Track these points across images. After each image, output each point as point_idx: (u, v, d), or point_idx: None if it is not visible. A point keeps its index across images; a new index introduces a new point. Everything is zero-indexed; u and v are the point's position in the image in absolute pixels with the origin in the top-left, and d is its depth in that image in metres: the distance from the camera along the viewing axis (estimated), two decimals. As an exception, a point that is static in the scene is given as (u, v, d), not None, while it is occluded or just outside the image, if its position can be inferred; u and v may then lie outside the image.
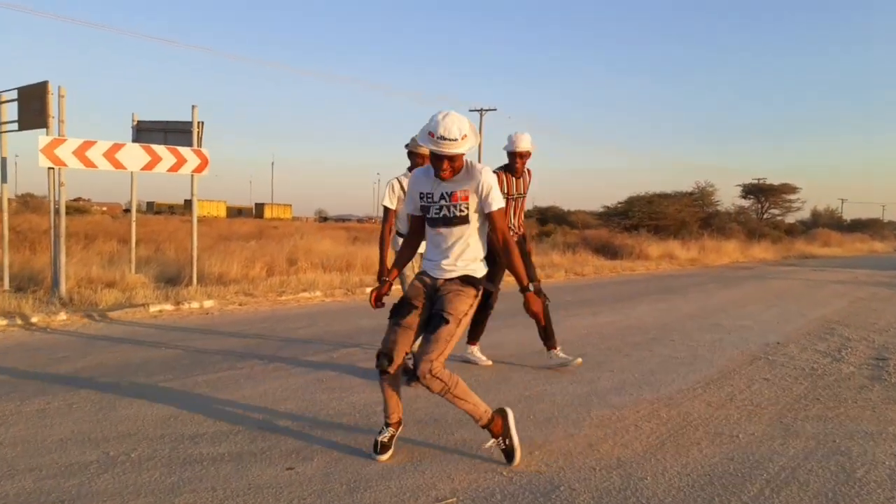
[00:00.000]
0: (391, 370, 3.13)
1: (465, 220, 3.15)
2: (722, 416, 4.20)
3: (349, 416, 4.00)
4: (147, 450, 3.33)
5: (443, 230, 3.19)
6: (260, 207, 73.99)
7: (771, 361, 5.88)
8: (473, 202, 3.13)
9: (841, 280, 16.42)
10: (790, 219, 46.90)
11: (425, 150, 4.70)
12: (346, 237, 25.10)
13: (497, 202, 3.15)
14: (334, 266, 12.67)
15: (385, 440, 3.26)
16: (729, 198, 72.27)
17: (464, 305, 3.12)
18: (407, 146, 4.86)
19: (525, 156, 5.10)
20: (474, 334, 5.41)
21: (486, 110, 37.25)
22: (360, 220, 76.35)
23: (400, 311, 3.20)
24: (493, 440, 3.21)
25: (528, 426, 3.80)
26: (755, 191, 46.26)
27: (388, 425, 3.30)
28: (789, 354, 6.22)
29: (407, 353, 3.20)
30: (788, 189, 46.06)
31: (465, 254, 3.19)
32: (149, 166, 8.61)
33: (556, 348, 5.36)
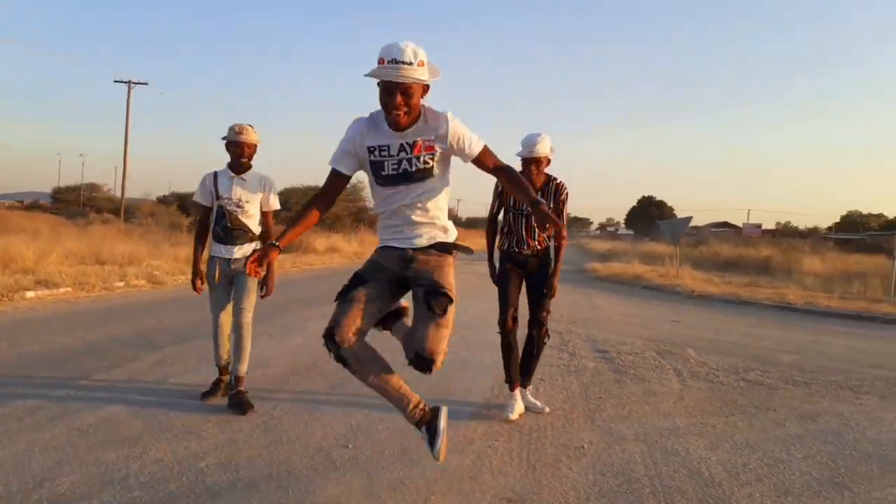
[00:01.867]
0: (342, 353, 2.56)
1: (429, 174, 2.70)
2: (547, 423, 4.23)
3: (175, 479, 2.96)
4: None
5: (402, 188, 2.71)
6: None
7: (525, 360, 6.19)
8: (439, 153, 2.69)
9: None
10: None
11: (249, 139, 4.19)
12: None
13: (476, 143, 2.73)
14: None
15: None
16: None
17: (452, 278, 2.76)
18: (224, 138, 4.21)
19: (542, 163, 4.28)
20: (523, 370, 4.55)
21: (136, 83, 32.92)
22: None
23: (347, 288, 2.68)
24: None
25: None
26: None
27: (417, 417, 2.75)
28: (532, 352, 6.63)
29: None
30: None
31: (432, 213, 2.76)
32: None
33: (528, 387, 4.63)
